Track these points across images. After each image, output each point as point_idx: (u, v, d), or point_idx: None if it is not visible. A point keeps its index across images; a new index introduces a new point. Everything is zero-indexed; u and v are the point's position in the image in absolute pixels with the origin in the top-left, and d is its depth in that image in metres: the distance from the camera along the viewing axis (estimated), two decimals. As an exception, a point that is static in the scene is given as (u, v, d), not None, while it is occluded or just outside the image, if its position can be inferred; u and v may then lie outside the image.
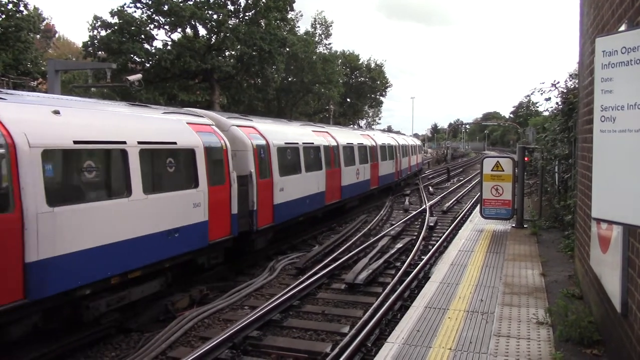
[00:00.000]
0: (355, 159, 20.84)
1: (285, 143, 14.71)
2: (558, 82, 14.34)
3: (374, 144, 24.16)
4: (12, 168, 6.54)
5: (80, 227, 7.36)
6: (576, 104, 9.77)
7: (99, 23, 40.66)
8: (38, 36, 45.87)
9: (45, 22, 52.29)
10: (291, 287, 10.25)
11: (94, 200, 7.82)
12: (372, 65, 78.46)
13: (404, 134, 49.84)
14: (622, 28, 4.34)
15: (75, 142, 7.55)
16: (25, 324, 6.98)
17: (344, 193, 19.29)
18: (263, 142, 13.41)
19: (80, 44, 48.78)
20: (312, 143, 16.89)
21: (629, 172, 2.94)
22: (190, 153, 10.11)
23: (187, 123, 10.70)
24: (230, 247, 11.44)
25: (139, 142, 8.71)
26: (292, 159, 15.11)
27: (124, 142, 8.42)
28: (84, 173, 7.84)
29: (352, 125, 68.70)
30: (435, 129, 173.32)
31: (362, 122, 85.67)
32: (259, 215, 12.54)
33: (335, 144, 18.94)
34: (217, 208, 10.68)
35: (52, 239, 6.90)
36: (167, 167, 9.64)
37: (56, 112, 7.62)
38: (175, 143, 9.78)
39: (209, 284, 10.78)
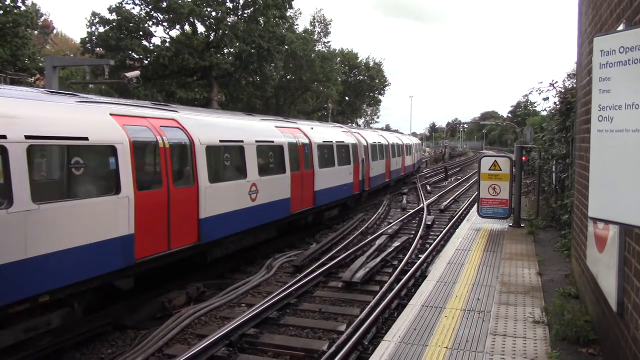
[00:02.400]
0: (395, 153, 29.56)
1: (372, 142, 24.18)
2: (556, 82, 14.38)
3: (402, 142, 32.97)
4: (311, 153, 15.91)
5: (324, 179, 16.71)
6: (574, 104, 9.78)
7: (97, 19, 40.58)
8: (36, 32, 45.74)
9: (43, 18, 52.16)
10: (288, 285, 10.25)
11: (326, 167, 17.10)
12: (371, 63, 78.41)
13: (402, 133, 50.12)
14: (621, 27, 4.34)
15: (323, 141, 17.32)
16: (310, 218, 16.52)
17: (391, 175, 28.19)
18: (365, 142, 22.74)
19: (78, 40, 48.69)
20: (380, 142, 26.08)
21: (626, 171, 2.94)
22: (348, 147, 19.95)
23: (342, 131, 20.99)
24: (356, 198, 21.32)
25: (336, 141, 18.68)
26: (374, 151, 24.03)
27: (331, 141, 18.25)
28: (323, 155, 17.08)
29: (350, 124, 68.70)
30: (433, 128, 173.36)
31: (361, 121, 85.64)
32: (366, 183, 22.26)
33: (387, 142, 27.71)
34: (355, 176, 20.39)
35: (319, 181, 16.28)
36: (342, 153, 19.10)
37: (312, 128, 17.34)
38: (343, 141, 19.64)
39: (205, 281, 10.78)
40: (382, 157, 25.83)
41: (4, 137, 6.43)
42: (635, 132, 2.83)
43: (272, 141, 13.60)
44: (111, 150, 8.22)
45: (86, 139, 7.78)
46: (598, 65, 3.22)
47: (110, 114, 8.69)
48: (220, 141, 11.22)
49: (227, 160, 11.63)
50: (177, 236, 9.42)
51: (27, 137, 6.75)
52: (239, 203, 11.41)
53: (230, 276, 11.78)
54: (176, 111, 10.77)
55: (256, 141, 12.50)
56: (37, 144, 7.00)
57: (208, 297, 10.07)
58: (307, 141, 15.94)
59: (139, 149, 8.79)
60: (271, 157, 13.52)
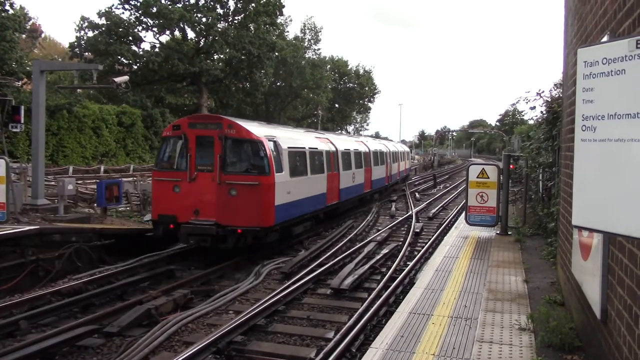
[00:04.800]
0: (400, 158, 36.81)
1: (392, 150, 33.40)
2: (543, 92, 14.53)
3: (404, 150, 42.14)
4: (370, 156, 25.24)
5: (375, 173, 26.22)
6: (560, 113, 9.90)
7: (86, 24, 40.47)
8: (24, 36, 45.47)
9: (31, 22, 51.86)
10: (276, 292, 10.23)
11: (375, 165, 26.32)
12: (361, 71, 78.73)
13: (392, 140, 50.66)
14: (605, 39, 4.42)
15: (374, 149, 26.82)
16: (368, 197, 25.81)
17: (400, 174, 36.62)
18: (389, 149, 31.80)
19: (66, 45, 48.46)
20: (394, 150, 34.83)
21: (609, 180, 2.99)
22: (383, 153, 29.25)
23: (379, 142, 31.98)
24: (386, 187, 30.53)
25: (378, 150, 28.18)
26: (392, 157, 32.49)
27: (376, 149, 27.45)
28: (374, 158, 26.31)
29: (339, 131, 68.91)
30: (422, 136, 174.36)
31: (350, 128, 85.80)
32: (390, 178, 31.28)
33: (397, 150, 36.17)
34: (386, 173, 29.30)
35: (374, 174, 25.83)
36: (381, 157, 28.31)
37: (367, 141, 27.61)
38: (381, 149, 28.77)
39: (193, 288, 10.74)
40: (395, 161, 34.07)
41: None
42: (617, 141, 2.89)
43: (358, 149, 23.37)
44: (320, 153, 17.69)
45: (316, 148, 17.36)
46: (582, 76, 3.28)
47: (315, 137, 18.68)
48: (344, 149, 20.91)
49: (346, 159, 20.79)
50: (335, 196, 19.06)
51: (310, 147, 16.82)
52: (349, 182, 20.98)
53: (218, 283, 11.74)
54: (324, 133, 22.46)
55: (354, 149, 22.51)
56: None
57: (195, 304, 10.03)
58: (367, 150, 25.11)
59: (326, 153, 18.22)
60: (358, 158, 22.81)
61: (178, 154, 13.62)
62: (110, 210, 18.00)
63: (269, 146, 13.31)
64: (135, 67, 43.35)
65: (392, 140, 47.12)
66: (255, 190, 12.83)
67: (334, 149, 19.39)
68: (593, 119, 3.12)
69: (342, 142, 21.87)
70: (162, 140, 14.30)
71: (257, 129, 13.99)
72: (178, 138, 13.51)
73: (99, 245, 13.38)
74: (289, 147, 14.69)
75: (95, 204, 18.79)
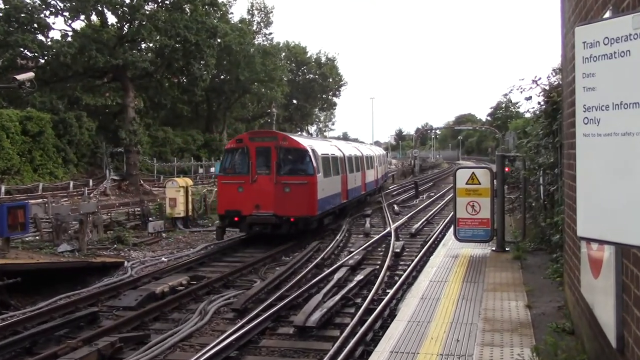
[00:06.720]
0: (382, 162, 44.20)
1: (378, 154, 41.76)
2: (540, 79, 14.71)
3: (382, 153, 48.42)
4: (363, 161, 33.37)
5: (368, 176, 34.36)
6: (560, 104, 10.11)
7: (-22, 9, 39.41)
8: None
9: None
10: (227, 334, 10.12)
11: (368, 169, 34.34)
12: (323, 59, 79.16)
13: (363, 142, 51.25)
14: (607, 15, 4.54)
15: (366, 154, 35.31)
16: (363, 198, 33.54)
17: (383, 178, 44.38)
18: (376, 153, 40.26)
19: (-47, 36, 47.12)
20: (379, 154, 42.38)
21: (617, 182, 3.04)
22: (374, 157, 38.00)
23: (367, 147, 41.28)
24: (376, 190, 38.68)
25: (370, 155, 36.98)
26: (378, 161, 39.88)
27: (368, 154, 36.76)
28: (367, 163, 34.63)
29: (300, 133, 69.07)
30: (400, 136, 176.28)
31: (313, 128, 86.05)
32: (378, 182, 39.71)
33: (380, 153, 43.79)
34: (375, 176, 37.33)
35: (367, 177, 33.87)
36: (372, 162, 36.58)
37: (361, 147, 37.48)
38: (370, 154, 37.17)
39: (122, 334, 10.52)
40: (380, 165, 41.26)
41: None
42: (625, 135, 2.93)
43: (356, 154, 30.61)
44: (336, 158, 25.24)
45: (334, 154, 24.97)
46: (581, 59, 3.33)
47: (330, 145, 26.54)
48: (348, 154, 28.12)
49: (351, 163, 28.18)
50: (345, 196, 25.84)
51: (331, 153, 25.00)
52: (353, 184, 27.87)
53: (153, 326, 11.55)
54: (331, 141, 31.48)
55: (354, 155, 29.82)
56: (330, 157, 24.09)
57: (126, 354, 9.82)
58: (360, 154, 32.12)
59: (339, 158, 25.93)
60: (357, 163, 29.92)
61: (241, 161, 20.60)
62: (14, 241, 17.51)
63: (311, 153, 20.46)
64: (43, 61, 42.47)
65: (364, 143, 53.30)
66: (304, 188, 19.92)
67: (342, 154, 26.61)
68: (596, 110, 3.18)
69: (345, 148, 29.31)
70: (226, 151, 22.08)
71: (302, 140, 22.12)
72: (240, 149, 20.65)
73: (1, 285, 13.00)
74: (322, 154, 22.24)
75: (-6, 234, 18.26)
